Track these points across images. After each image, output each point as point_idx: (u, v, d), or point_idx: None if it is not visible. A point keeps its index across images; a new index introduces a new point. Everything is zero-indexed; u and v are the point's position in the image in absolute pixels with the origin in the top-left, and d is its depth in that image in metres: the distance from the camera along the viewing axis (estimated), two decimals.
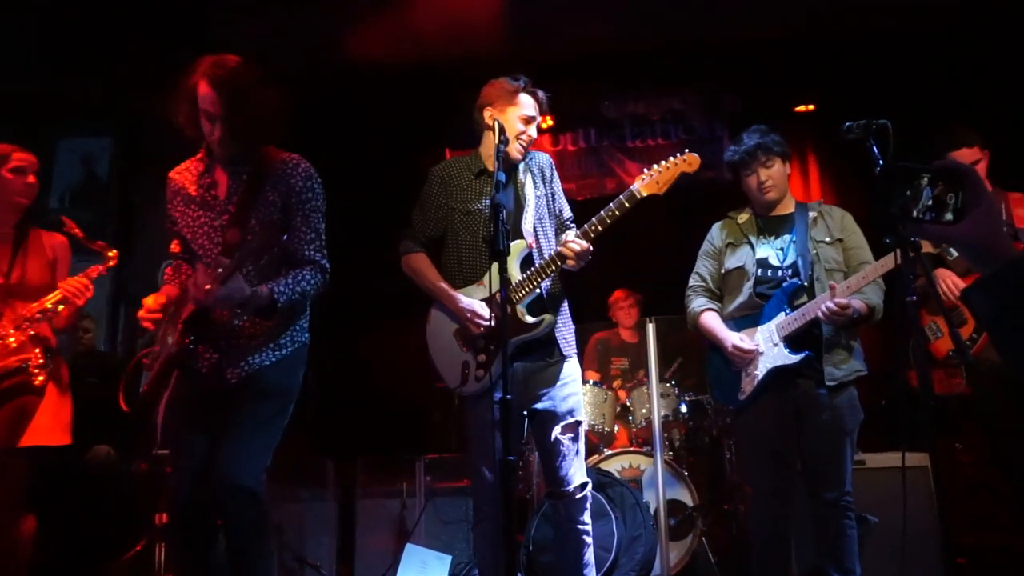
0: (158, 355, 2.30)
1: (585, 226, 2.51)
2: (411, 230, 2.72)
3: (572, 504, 2.56)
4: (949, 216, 1.08)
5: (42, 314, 2.74)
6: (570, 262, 2.50)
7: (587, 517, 2.60)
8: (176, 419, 2.31)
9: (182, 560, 2.28)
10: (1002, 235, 1.08)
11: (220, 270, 2.07)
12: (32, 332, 2.73)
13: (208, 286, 2.05)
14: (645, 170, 2.56)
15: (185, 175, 2.40)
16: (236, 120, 2.22)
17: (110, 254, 2.90)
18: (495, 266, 2.50)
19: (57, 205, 5.63)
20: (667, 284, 3.14)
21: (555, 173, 2.78)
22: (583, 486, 2.59)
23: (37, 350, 2.73)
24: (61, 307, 2.75)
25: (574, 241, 2.47)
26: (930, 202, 1.09)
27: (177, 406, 2.31)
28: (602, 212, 2.50)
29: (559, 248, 2.50)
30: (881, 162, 1.96)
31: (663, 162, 2.55)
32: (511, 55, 4.99)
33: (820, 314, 2.62)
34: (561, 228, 2.75)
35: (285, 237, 2.27)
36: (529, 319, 2.53)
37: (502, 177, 2.27)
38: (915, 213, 1.10)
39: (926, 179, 1.10)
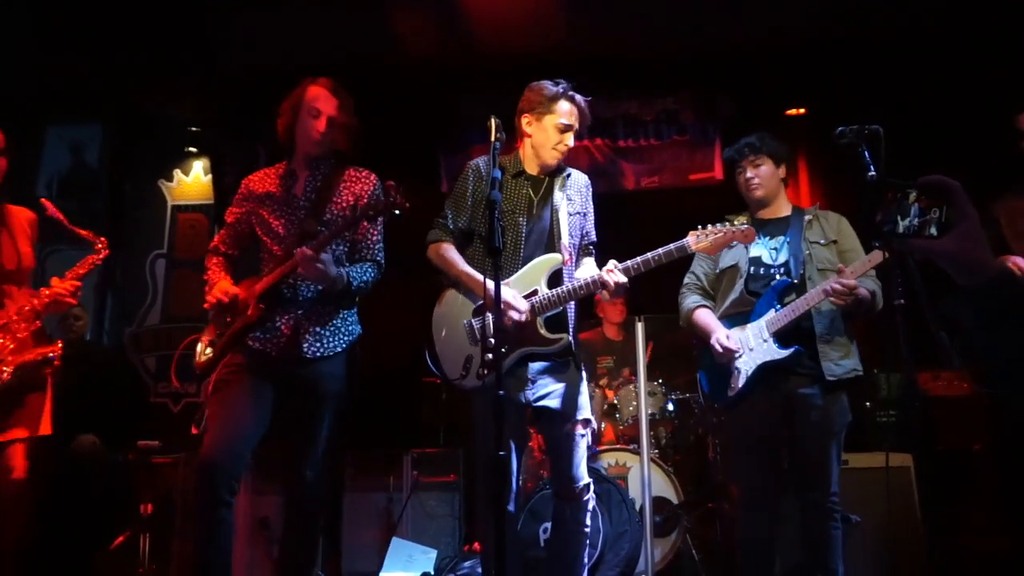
0: (220, 335, 2.58)
1: (629, 264, 2.51)
2: (443, 220, 2.69)
3: (579, 507, 2.56)
4: (933, 230, 1.09)
5: (39, 312, 2.67)
6: (606, 293, 2.52)
7: (589, 520, 2.61)
8: (233, 390, 2.49)
9: (195, 526, 2.41)
10: (984, 250, 1.09)
11: (319, 237, 2.44)
12: (39, 323, 2.67)
13: (312, 251, 2.38)
14: (700, 227, 2.57)
15: (264, 178, 2.71)
16: (342, 119, 2.63)
17: (99, 244, 2.78)
18: (528, 266, 2.56)
19: (45, 193, 5.58)
20: (656, 284, 3.16)
21: (590, 195, 2.78)
22: (588, 487, 2.59)
23: (59, 342, 2.68)
24: (51, 307, 2.68)
25: (618, 275, 2.48)
26: (916, 217, 1.10)
27: (239, 380, 2.51)
28: (650, 256, 2.51)
29: (600, 277, 2.49)
30: (872, 168, 1.98)
31: (720, 226, 2.57)
32: (504, 55, 4.99)
33: (825, 293, 2.64)
34: (583, 251, 2.75)
35: (348, 233, 2.61)
36: (546, 333, 2.52)
37: (497, 175, 2.27)
38: (901, 228, 1.11)
39: (912, 194, 1.11)
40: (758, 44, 4.98)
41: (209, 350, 2.60)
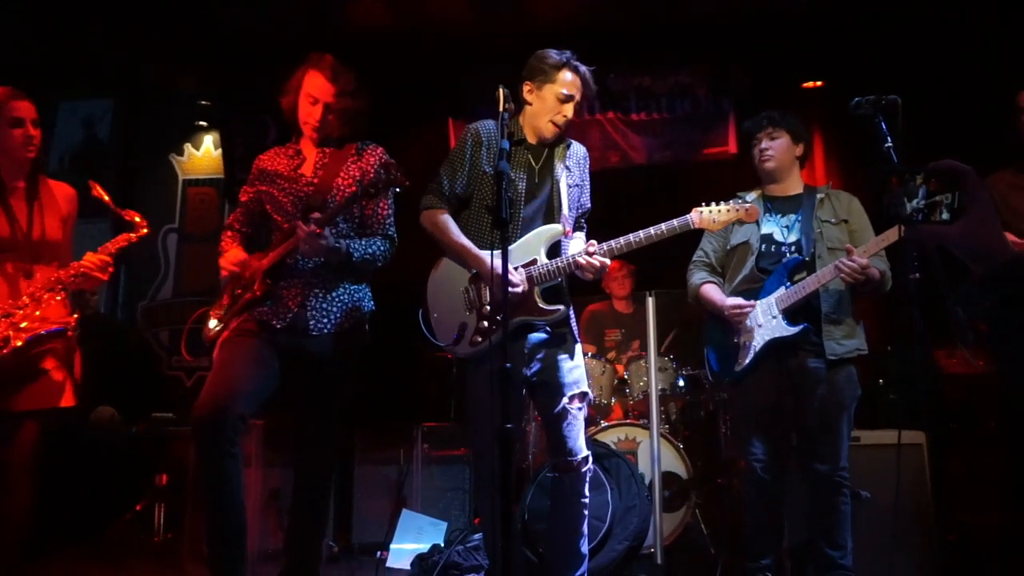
0: (227, 307, 2.61)
1: (631, 237, 2.48)
2: (437, 185, 2.63)
3: (577, 478, 2.56)
4: (945, 215, 1.06)
5: (65, 283, 2.65)
6: (588, 275, 2.48)
7: (587, 490, 2.61)
8: (237, 349, 2.51)
9: (200, 479, 2.46)
10: (998, 235, 1.07)
11: (323, 214, 2.49)
12: (64, 295, 2.65)
13: (313, 228, 2.44)
14: (704, 205, 2.53)
15: (274, 157, 2.75)
16: (340, 105, 2.64)
17: (138, 221, 2.78)
18: (528, 235, 2.53)
19: (57, 167, 5.59)
20: (666, 259, 3.13)
21: (587, 167, 2.75)
22: (586, 459, 2.59)
23: (76, 315, 2.67)
24: (79, 280, 2.66)
25: (599, 259, 2.45)
26: (923, 199, 1.07)
27: (245, 341, 2.53)
28: (652, 230, 2.47)
29: (580, 259, 2.46)
30: (889, 140, 1.94)
31: (725, 204, 2.53)
32: (516, 23, 4.92)
33: (836, 270, 2.64)
34: (576, 224, 2.72)
35: (357, 210, 2.65)
36: (543, 304, 2.51)
37: (506, 145, 2.23)
38: (908, 209, 1.08)
39: (920, 179, 1.08)
40: (774, 15, 4.88)
41: (219, 324, 2.62)
